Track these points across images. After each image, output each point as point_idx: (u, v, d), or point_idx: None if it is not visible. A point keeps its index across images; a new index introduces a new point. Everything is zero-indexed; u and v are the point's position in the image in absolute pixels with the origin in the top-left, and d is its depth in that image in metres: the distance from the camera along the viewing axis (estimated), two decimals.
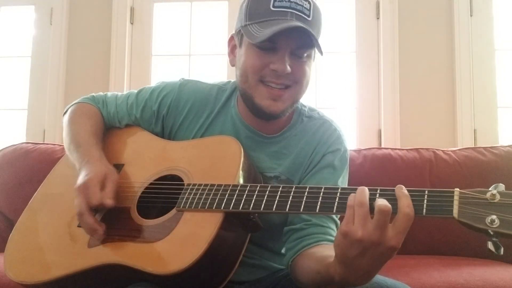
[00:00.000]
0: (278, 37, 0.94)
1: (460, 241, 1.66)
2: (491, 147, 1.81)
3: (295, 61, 0.99)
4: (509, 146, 1.80)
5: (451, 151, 1.83)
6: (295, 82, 1.01)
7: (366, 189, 0.74)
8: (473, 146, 2.12)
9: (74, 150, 1.12)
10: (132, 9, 2.54)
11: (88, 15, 2.56)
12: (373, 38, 2.38)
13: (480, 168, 1.73)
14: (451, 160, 1.77)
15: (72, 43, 2.56)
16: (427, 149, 1.84)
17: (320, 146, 1.08)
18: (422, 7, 2.34)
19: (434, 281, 1.29)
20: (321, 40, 0.99)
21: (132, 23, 2.54)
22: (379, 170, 1.75)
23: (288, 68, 0.97)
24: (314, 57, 1.05)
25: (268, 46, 0.97)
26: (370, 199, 0.73)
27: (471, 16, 2.29)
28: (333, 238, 0.94)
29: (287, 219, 1.04)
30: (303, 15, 0.96)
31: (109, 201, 0.97)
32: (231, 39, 1.10)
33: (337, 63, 2.45)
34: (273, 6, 0.96)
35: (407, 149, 1.86)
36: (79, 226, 1.02)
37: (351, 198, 0.73)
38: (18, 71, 2.64)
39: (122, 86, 2.45)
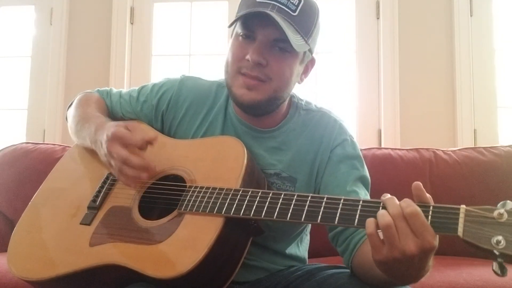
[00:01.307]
0: (249, 22, 0.96)
1: (460, 241, 1.65)
2: (491, 147, 1.81)
3: (274, 55, 0.98)
4: (509, 146, 1.80)
5: (451, 151, 1.83)
6: (269, 78, 0.99)
7: (384, 212, 0.70)
8: (473, 146, 2.11)
9: (82, 128, 1.12)
10: (132, 9, 2.54)
11: (88, 15, 2.56)
12: (373, 38, 2.38)
13: (480, 168, 1.74)
14: (451, 160, 1.77)
15: (72, 43, 2.55)
16: (427, 149, 1.84)
17: (325, 143, 1.06)
18: (422, 7, 2.34)
19: (434, 281, 1.29)
20: (319, 40, 0.99)
21: (132, 23, 2.54)
22: (379, 170, 1.75)
23: (261, 59, 0.96)
24: (305, 56, 1.04)
25: (247, 35, 0.98)
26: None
27: (471, 16, 2.29)
28: None
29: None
30: (287, 9, 0.96)
31: (152, 133, 0.98)
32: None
33: (337, 63, 2.45)
34: None
35: (407, 149, 1.86)
36: (81, 223, 1.03)
37: (371, 225, 0.70)
38: (18, 71, 2.64)
39: (122, 86, 2.44)
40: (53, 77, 2.52)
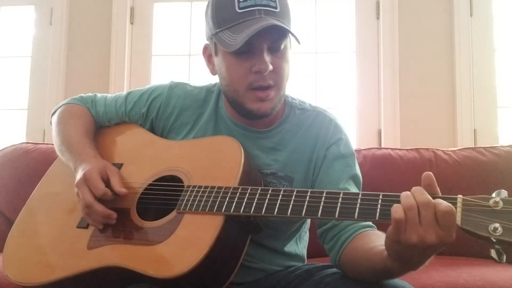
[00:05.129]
0: (252, 39, 0.93)
1: (460, 241, 1.65)
2: (491, 147, 1.81)
3: (273, 57, 0.98)
4: (509, 146, 1.80)
5: (451, 151, 1.83)
6: (275, 81, 1.00)
7: (409, 193, 0.72)
8: (473, 146, 2.11)
9: (66, 150, 1.13)
10: (132, 9, 2.54)
11: (88, 15, 2.56)
12: (373, 38, 2.38)
13: (480, 168, 1.74)
14: (451, 160, 1.77)
15: (72, 43, 2.55)
16: (427, 149, 1.84)
17: (321, 141, 1.07)
18: (422, 7, 2.34)
19: (434, 281, 1.29)
20: (293, 27, 0.98)
21: (132, 23, 2.54)
22: (379, 170, 1.76)
23: (270, 66, 0.96)
24: (290, 44, 1.04)
25: (245, 49, 0.95)
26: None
27: (471, 16, 2.29)
28: (367, 223, 0.94)
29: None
30: (271, 9, 0.95)
31: (122, 190, 0.99)
32: (205, 48, 1.09)
33: (337, 63, 2.45)
34: (239, 8, 0.95)
35: (407, 149, 1.86)
36: (78, 227, 1.02)
37: (397, 209, 0.70)
38: (18, 71, 2.64)
39: (122, 86, 2.44)
40: (53, 77, 2.52)
